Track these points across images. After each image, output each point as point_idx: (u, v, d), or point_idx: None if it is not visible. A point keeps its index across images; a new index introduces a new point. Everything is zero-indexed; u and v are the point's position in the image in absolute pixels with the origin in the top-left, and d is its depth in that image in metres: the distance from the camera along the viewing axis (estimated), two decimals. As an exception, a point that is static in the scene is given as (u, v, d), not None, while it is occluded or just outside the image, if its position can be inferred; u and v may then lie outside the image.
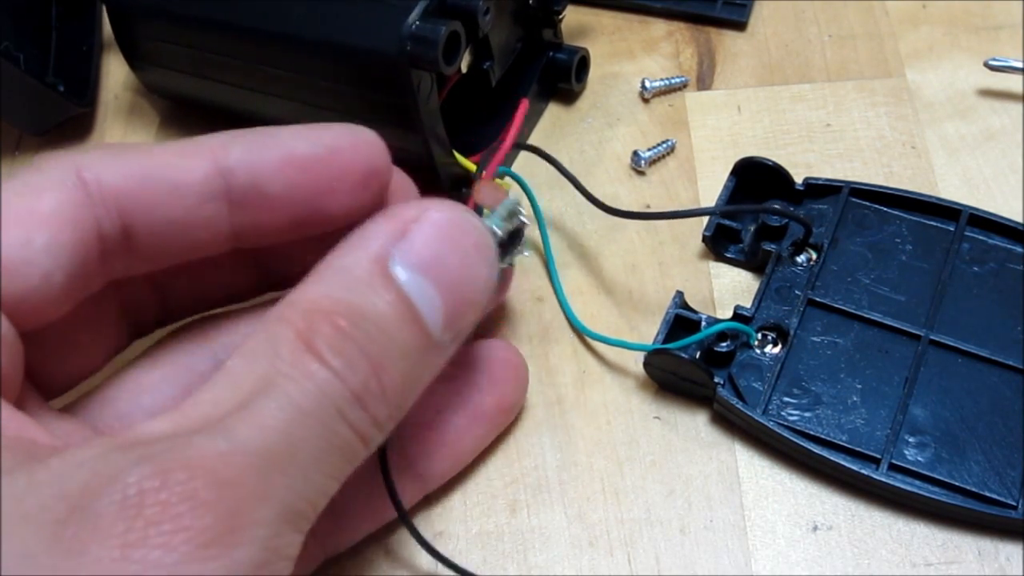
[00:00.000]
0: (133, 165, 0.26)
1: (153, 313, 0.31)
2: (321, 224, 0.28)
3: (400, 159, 0.31)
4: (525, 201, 0.34)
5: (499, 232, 0.29)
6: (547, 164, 0.40)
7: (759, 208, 0.36)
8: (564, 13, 0.39)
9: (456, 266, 0.26)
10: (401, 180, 0.31)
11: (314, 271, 0.25)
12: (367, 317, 0.24)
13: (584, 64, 0.42)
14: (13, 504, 0.20)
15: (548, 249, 0.36)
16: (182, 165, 0.26)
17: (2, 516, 0.20)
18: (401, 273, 0.25)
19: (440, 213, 0.26)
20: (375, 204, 0.29)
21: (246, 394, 0.23)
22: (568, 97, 0.42)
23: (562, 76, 0.41)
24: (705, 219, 0.37)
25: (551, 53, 0.41)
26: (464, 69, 0.36)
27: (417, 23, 0.32)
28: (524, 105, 0.37)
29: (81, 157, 0.26)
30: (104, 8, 0.40)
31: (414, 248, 0.25)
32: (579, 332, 0.36)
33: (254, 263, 0.31)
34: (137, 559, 0.19)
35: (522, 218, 0.30)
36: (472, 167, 0.35)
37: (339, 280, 0.25)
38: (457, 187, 0.36)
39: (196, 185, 0.26)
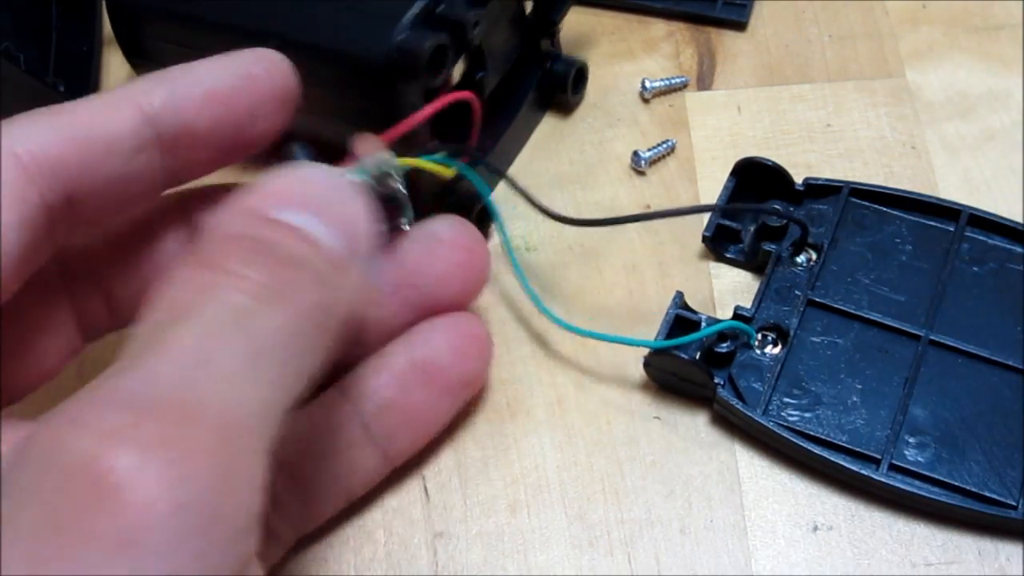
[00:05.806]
0: (63, 131, 0.26)
1: (103, 315, 0.30)
2: (244, 150, 0.29)
3: None
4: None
5: (356, 180, 0.28)
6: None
7: (747, 206, 0.36)
8: (561, 24, 0.39)
9: (320, 193, 0.25)
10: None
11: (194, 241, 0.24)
12: (259, 238, 0.23)
13: (581, 76, 0.41)
14: None
15: (516, 266, 0.36)
16: (111, 121, 0.26)
17: None
18: (274, 212, 0.24)
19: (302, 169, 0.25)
20: (287, 122, 0.29)
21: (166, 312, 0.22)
22: (566, 105, 0.41)
23: (559, 87, 0.40)
24: (705, 219, 0.37)
25: (548, 63, 0.40)
26: (457, 79, 0.35)
27: (405, 34, 0.31)
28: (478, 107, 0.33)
29: (8, 132, 0.25)
30: (104, 8, 0.40)
31: (278, 193, 0.24)
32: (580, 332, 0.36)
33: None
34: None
35: (396, 184, 0.30)
36: (448, 173, 0.33)
37: (213, 235, 0.24)
38: (442, 195, 0.35)
39: (127, 139, 0.26)
